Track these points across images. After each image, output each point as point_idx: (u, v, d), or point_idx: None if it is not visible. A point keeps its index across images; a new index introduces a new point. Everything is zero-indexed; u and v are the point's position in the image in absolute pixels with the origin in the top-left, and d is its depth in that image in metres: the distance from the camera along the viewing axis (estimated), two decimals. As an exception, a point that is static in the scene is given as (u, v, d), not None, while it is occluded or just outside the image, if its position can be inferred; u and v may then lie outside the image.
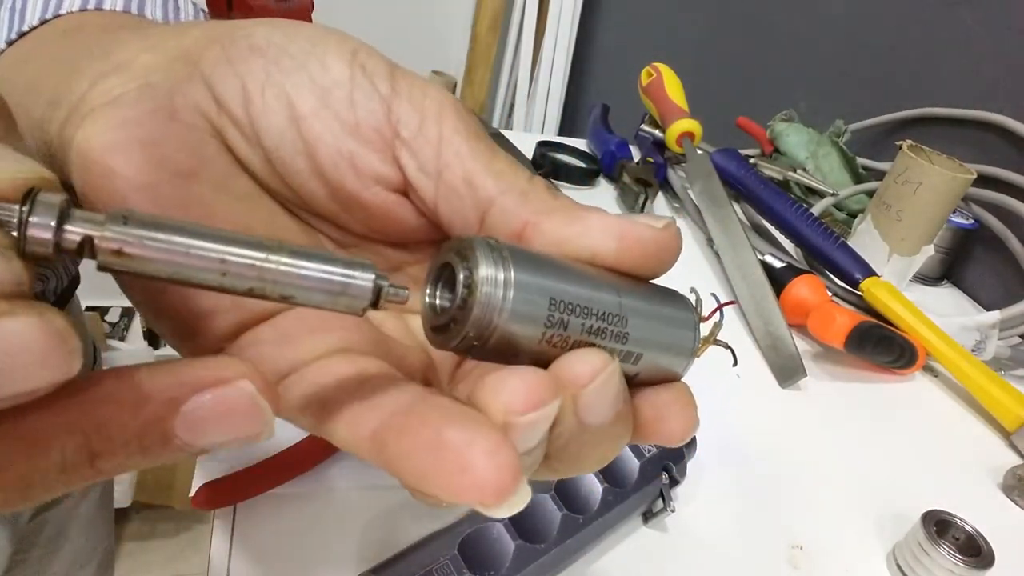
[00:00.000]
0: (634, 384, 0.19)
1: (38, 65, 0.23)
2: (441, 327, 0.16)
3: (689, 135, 0.78)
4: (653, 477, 0.35)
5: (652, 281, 0.20)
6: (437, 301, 0.17)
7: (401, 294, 0.16)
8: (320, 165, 0.19)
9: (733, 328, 0.58)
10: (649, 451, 0.35)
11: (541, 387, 0.15)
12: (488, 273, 0.15)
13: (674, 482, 0.36)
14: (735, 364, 0.24)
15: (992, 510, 0.45)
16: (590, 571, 0.34)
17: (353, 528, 0.33)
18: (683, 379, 0.21)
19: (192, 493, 0.32)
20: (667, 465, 0.36)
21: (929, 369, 0.58)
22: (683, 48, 1.39)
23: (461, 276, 0.16)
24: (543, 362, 0.17)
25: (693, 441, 0.38)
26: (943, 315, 0.59)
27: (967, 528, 0.37)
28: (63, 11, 0.26)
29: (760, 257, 0.61)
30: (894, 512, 0.42)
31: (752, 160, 0.84)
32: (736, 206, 0.72)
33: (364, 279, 0.15)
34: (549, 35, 1.78)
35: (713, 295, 0.26)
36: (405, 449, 0.15)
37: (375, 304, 0.16)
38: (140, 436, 0.13)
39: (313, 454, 0.35)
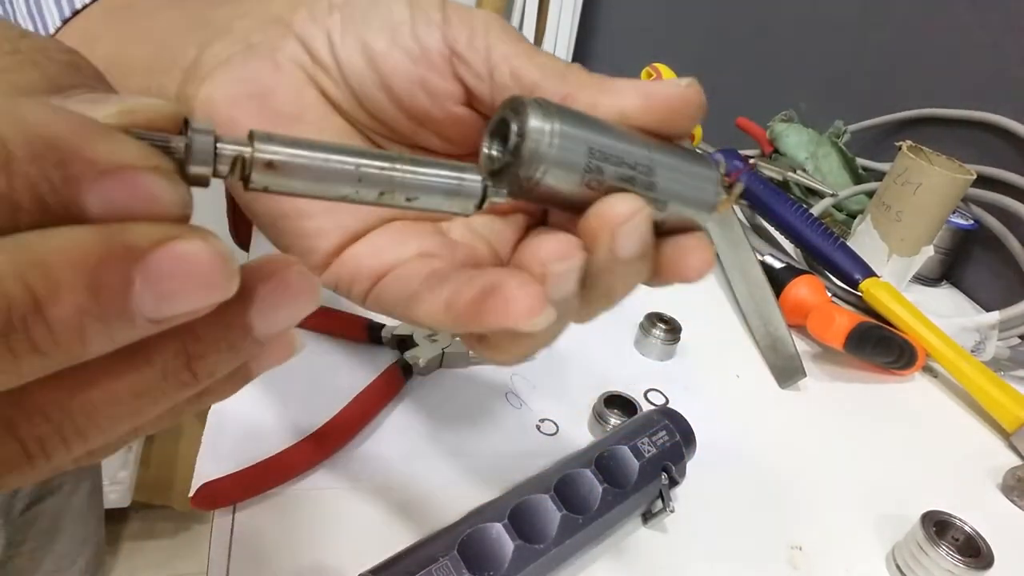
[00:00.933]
0: (661, 232, 0.22)
1: (107, 44, 0.26)
2: (497, 172, 0.19)
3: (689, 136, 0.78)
4: (653, 477, 0.35)
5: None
6: (494, 152, 0.20)
7: (502, 194, 0.19)
8: (397, 94, 0.22)
9: (733, 328, 0.58)
10: (649, 452, 0.35)
11: (571, 244, 0.19)
12: (537, 124, 0.18)
13: (673, 482, 0.36)
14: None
15: (991, 511, 0.45)
16: (589, 571, 0.34)
17: (352, 528, 0.33)
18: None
19: (191, 493, 0.32)
20: (666, 466, 0.36)
21: (928, 370, 0.58)
22: (683, 49, 1.39)
23: (514, 127, 0.19)
24: (582, 206, 0.20)
25: (692, 442, 0.38)
26: (942, 316, 0.59)
27: (966, 529, 0.37)
28: None
29: (760, 257, 0.61)
30: (893, 513, 0.42)
31: (752, 160, 0.84)
32: (736, 207, 0.72)
33: (474, 180, 0.18)
34: (549, 35, 1.78)
35: (736, 162, 0.31)
36: (466, 300, 0.19)
37: (482, 203, 0.19)
38: (226, 332, 0.15)
39: (312, 454, 0.35)
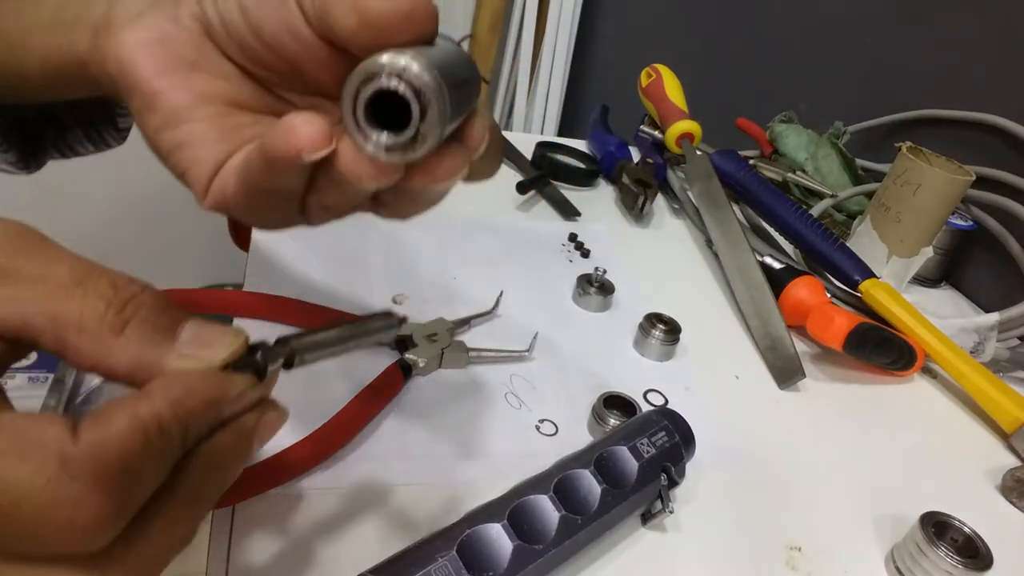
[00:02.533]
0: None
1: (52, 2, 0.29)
2: (405, 144, 0.22)
3: (688, 136, 0.78)
4: (652, 478, 0.35)
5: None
6: (384, 137, 0.22)
7: (404, 320, 0.29)
8: (268, 42, 0.25)
9: (732, 329, 0.58)
10: (648, 453, 0.35)
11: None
12: (429, 80, 0.21)
13: (673, 483, 0.36)
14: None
15: (990, 512, 0.45)
16: (589, 572, 0.34)
17: (352, 528, 0.33)
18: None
19: (191, 493, 0.32)
20: (666, 466, 0.36)
21: (928, 371, 0.58)
22: (683, 49, 1.39)
23: (414, 97, 0.21)
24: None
25: (692, 442, 0.38)
26: (942, 317, 0.59)
27: (965, 530, 0.37)
28: None
29: (759, 258, 0.61)
30: (892, 513, 0.42)
31: (751, 161, 0.84)
32: (735, 207, 0.72)
33: (392, 323, 0.28)
34: (549, 35, 1.78)
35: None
36: (265, 137, 0.23)
37: (399, 328, 0.29)
38: (240, 464, 0.24)
39: (312, 455, 0.35)
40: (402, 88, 0.21)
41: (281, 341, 0.24)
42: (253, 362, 0.23)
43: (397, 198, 0.26)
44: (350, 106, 0.22)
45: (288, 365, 0.24)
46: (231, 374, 0.22)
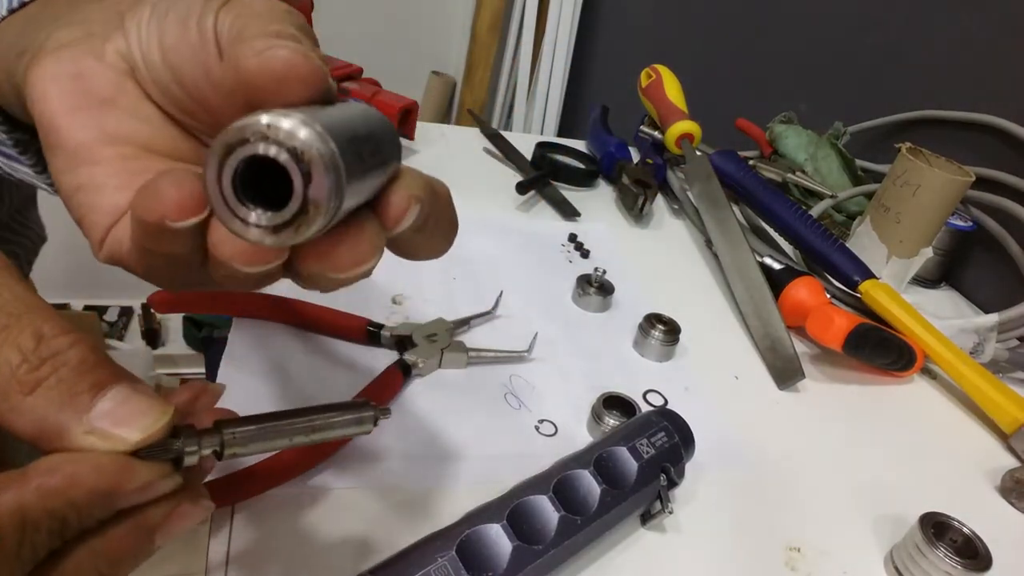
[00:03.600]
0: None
1: (14, 29, 0.27)
2: (286, 224, 0.18)
3: (688, 136, 0.78)
4: (651, 479, 0.35)
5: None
6: (258, 216, 0.18)
7: (387, 412, 0.27)
8: (188, 87, 0.22)
9: (732, 330, 0.58)
10: (648, 453, 0.35)
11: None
12: (317, 148, 0.17)
13: (672, 484, 0.36)
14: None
15: (990, 512, 0.45)
16: (588, 572, 0.34)
17: (351, 529, 0.33)
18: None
19: (190, 493, 0.32)
20: (665, 467, 0.36)
21: (927, 371, 0.58)
22: (683, 50, 1.39)
23: (295, 165, 0.17)
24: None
25: (691, 443, 0.38)
26: (941, 317, 0.59)
27: (964, 530, 0.37)
28: None
29: (759, 259, 0.61)
30: (892, 514, 0.42)
31: (751, 162, 0.84)
32: (735, 208, 0.72)
33: (368, 413, 0.26)
34: (549, 35, 1.78)
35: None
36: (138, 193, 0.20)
37: (375, 424, 0.26)
38: (136, 554, 0.21)
39: (311, 455, 0.35)
40: (277, 153, 0.17)
41: (217, 426, 0.22)
42: (172, 449, 0.20)
43: (303, 277, 0.22)
44: (214, 177, 0.17)
45: (218, 456, 0.22)
46: (136, 463, 0.20)
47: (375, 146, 0.20)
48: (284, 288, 0.47)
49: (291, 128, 0.17)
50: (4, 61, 0.26)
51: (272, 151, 0.17)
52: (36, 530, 0.18)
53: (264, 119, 0.17)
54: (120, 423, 0.19)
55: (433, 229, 0.24)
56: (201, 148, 0.25)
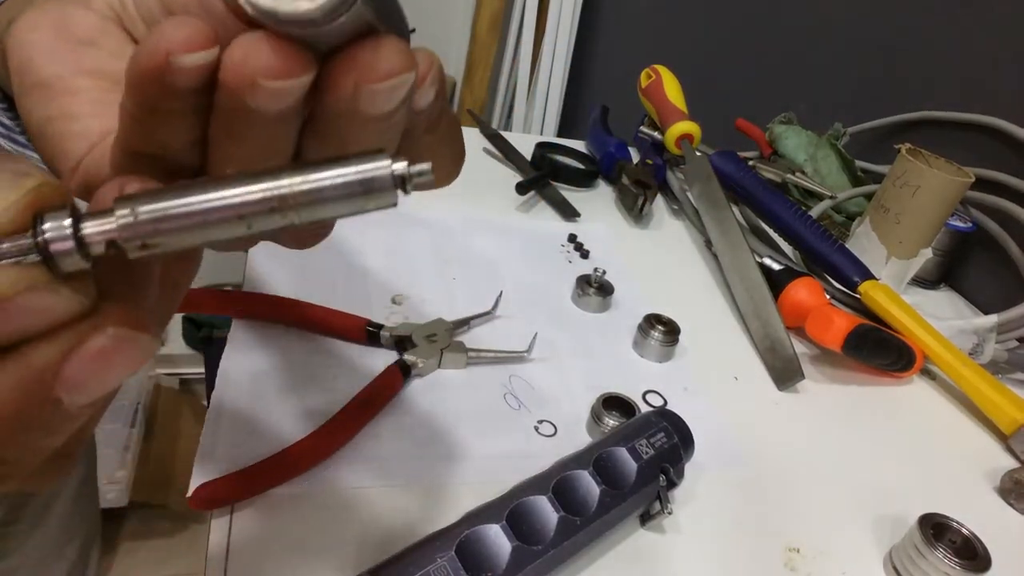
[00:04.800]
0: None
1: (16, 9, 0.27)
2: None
3: (688, 137, 0.78)
4: (651, 479, 0.35)
5: None
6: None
7: (424, 173, 0.16)
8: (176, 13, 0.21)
9: (731, 330, 0.58)
10: (647, 453, 0.35)
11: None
12: None
13: (672, 484, 0.36)
14: None
15: (989, 513, 0.45)
16: (587, 573, 0.34)
17: (350, 529, 0.33)
18: None
19: (189, 493, 0.32)
20: (665, 467, 0.36)
21: (926, 372, 0.58)
22: (682, 50, 1.39)
23: None
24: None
25: (691, 443, 0.38)
26: (941, 318, 0.59)
27: (964, 531, 0.37)
28: None
29: (758, 259, 0.61)
30: (891, 515, 0.42)
31: (751, 162, 0.84)
32: (735, 208, 0.72)
33: (382, 167, 0.15)
34: (549, 36, 1.78)
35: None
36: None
37: (404, 189, 0.16)
38: (38, 419, 0.14)
39: (311, 455, 0.35)
40: None
41: (117, 202, 0.15)
42: (25, 243, 0.13)
43: (333, 112, 0.18)
44: None
45: (117, 249, 0.15)
46: None
47: None
48: (284, 288, 0.47)
49: None
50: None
51: None
52: None
53: None
54: None
55: (444, 133, 0.21)
56: None
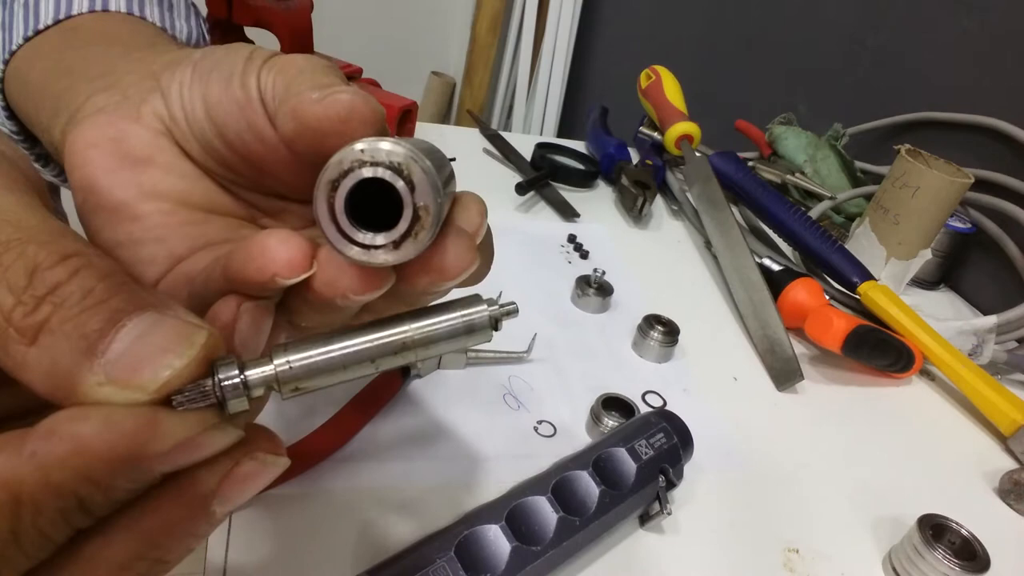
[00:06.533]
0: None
1: (44, 68, 0.29)
2: (399, 240, 0.18)
3: (688, 138, 0.78)
4: (650, 480, 0.35)
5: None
6: (373, 237, 0.18)
7: (511, 312, 0.21)
8: (231, 141, 0.23)
9: (731, 331, 0.58)
10: (646, 454, 0.35)
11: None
12: (426, 174, 0.18)
13: (671, 485, 0.36)
14: None
15: (988, 514, 0.45)
16: (586, 573, 0.34)
17: (350, 529, 0.33)
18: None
19: (189, 493, 0.32)
20: (664, 468, 0.36)
21: (926, 373, 0.58)
22: (682, 51, 1.39)
23: (407, 188, 0.18)
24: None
25: (690, 444, 0.38)
26: (940, 319, 0.59)
27: (963, 532, 0.37)
28: (73, 12, 0.31)
29: (758, 260, 0.61)
30: (890, 516, 0.42)
31: (750, 163, 0.84)
32: (734, 209, 0.72)
33: (480, 312, 0.20)
34: (549, 36, 1.78)
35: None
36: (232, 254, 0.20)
37: (496, 328, 0.20)
38: (197, 527, 0.17)
39: (310, 455, 0.35)
40: (383, 172, 0.18)
41: (271, 353, 0.18)
42: (208, 392, 0.16)
43: (408, 296, 0.22)
44: (327, 213, 0.18)
45: (276, 392, 0.18)
46: (163, 415, 0.15)
47: (442, 158, 0.21)
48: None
49: (388, 148, 0.18)
50: (38, 108, 0.27)
51: (378, 172, 0.18)
52: (38, 512, 0.14)
53: (359, 146, 0.18)
54: (138, 365, 0.15)
55: (485, 245, 0.23)
56: (236, 202, 0.25)
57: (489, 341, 0.20)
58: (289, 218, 0.26)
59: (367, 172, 0.18)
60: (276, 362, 0.18)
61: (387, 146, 0.18)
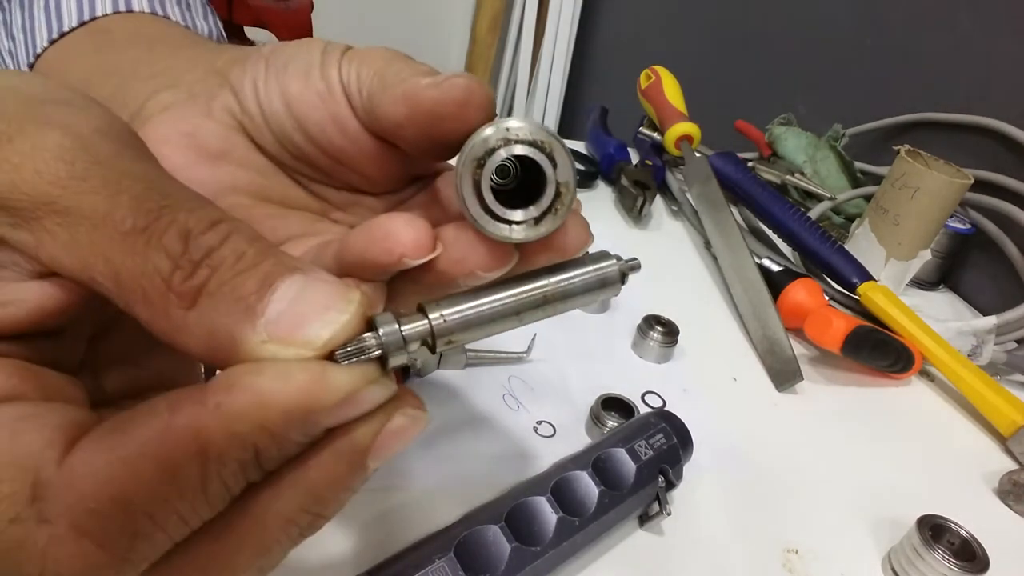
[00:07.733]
0: None
1: (83, 69, 0.29)
2: (540, 216, 0.19)
3: (688, 138, 0.78)
4: (649, 480, 0.35)
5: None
6: (519, 214, 0.19)
7: (635, 265, 0.21)
8: (312, 133, 0.23)
9: (730, 331, 0.58)
10: (646, 455, 0.35)
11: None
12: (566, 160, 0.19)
13: (670, 485, 0.36)
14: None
15: (987, 515, 0.45)
16: (586, 574, 0.34)
17: (350, 530, 0.33)
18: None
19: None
20: (663, 468, 0.36)
21: (925, 374, 0.58)
22: (682, 51, 1.39)
23: (551, 167, 0.19)
24: None
25: (689, 445, 0.38)
26: (940, 320, 0.59)
27: (962, 533, 0.37)
28: (98, 13, 0.31)
29: (757, 260, 0.61)
30: (889, 516, 0.42)
31: (750, 164, 0.84)
32: (734, 209, 0.72)
33: (610, 266, 0.21)
34: (549, 36, 1.78)
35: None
36: (355, 237, 0.21)
37: (623, 281, 0.21)
38: (353, 482, 0.17)
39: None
40: (527, 150, 0.18)
41: (421, 308, 0.18)
42: (371, 346, 0.17)
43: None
44: (472, 194, 0.19)
45: (431, 348, 0.18)
46: (332, 369, 0.16)
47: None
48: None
49: (528, 127, 0.19)
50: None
51: (526, 150, 0.19)
52: (222, 463, 0.15)
53: (504, 125, 0.18)
54: (300, 323, 0.16)
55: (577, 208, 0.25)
56: (309, 196, 0.26)
57: (617, 295, 0.21)
58: (360, 211, 0.26)
59: (518, 149, 0.18)
60: (431, 316, 0.18)
61: (529, 126, 0.18)
